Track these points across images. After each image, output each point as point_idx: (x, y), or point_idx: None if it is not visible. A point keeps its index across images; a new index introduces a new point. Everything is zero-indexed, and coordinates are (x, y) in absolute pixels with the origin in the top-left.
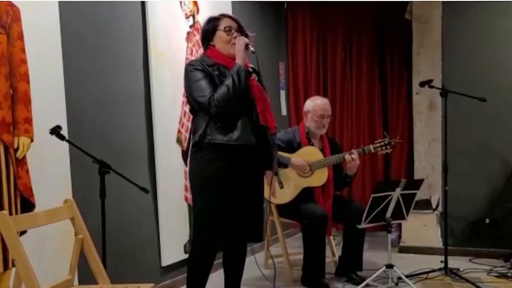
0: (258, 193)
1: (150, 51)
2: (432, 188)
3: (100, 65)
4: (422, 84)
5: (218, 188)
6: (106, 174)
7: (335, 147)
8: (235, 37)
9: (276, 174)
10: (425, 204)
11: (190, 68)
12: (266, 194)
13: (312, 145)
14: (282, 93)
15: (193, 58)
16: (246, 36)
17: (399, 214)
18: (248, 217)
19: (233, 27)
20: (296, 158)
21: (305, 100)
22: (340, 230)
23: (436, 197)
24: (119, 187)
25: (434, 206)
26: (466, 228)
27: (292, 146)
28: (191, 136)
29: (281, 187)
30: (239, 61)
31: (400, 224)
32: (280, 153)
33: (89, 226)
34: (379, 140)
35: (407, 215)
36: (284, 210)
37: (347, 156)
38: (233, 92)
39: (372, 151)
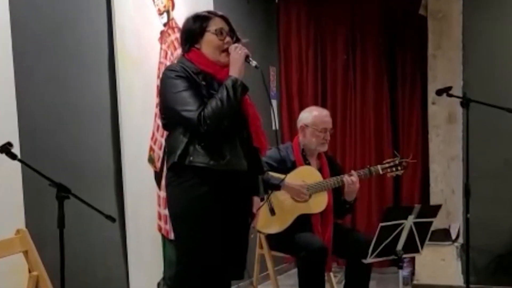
0: (245, 223)
1: (116, 53)
2: (451, 216)
3: (58, 70)
4: (439, 92)
5: (204, 219)
6: (65, 200)
7: (335, 167)
8: (226, 42)
9: (263, 200)
10: (443, 235)
11: (171, 74)
12: (254, 221)
13: (309, 164)
14: (274, 104)
15: (167, 61)
16: (237, 41)
17: (412, 247)
18: (234, 251)
19: (225, 30)
20: (291, 179)
21: (300, 111)
22: (342, 265)
23: (456, 226)
24: (81, 215)
25: (453, 236)
26: (492, 263)
27: (285, 166)
28: (166, 156)
29: (273, 214)
30: (235, 73)
31: (413, 258)
32: (271, 173)
33: (46, 261)
34: (389, 160)
35: (422, 247)
36: (276, 241)
37: (345, 178)
38: (228, 108)
39: (380, 172)
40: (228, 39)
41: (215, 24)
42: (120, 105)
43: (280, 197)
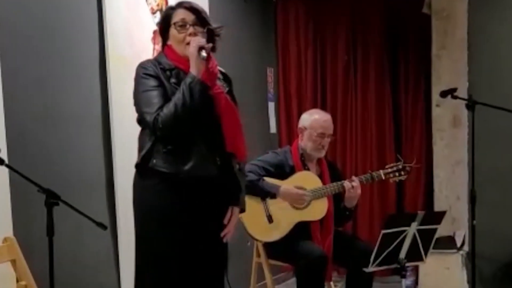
0: (219, 235)
1: (108, 54)
2: (456, 223)
3: (47, 72)
4: (443, 94)
5: (170, 229)
6: (55, 206)
7: (336, 173)
8: (190, 34)
9: (243, 211)
10: (448, 242)
11: (140, 71)
12: (251, 229)
13: (308, 169)
14: (271, 106)
15: None
16: (210, 32)
17: (415, 255)
18: (209, 267)
19: (188, 21)
20: (287, 185)
21: (299, 114)
22: (342, 274)
23: (461, 234)
24: (71, 222)
25: (458, 244)
26: (499, 272)
27: (283, 171)
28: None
29: (270, 221)
30: (193, 70)
31: (416, 267)
32: (267, 179)
33: (34, 270)
34: (391, 165)
35: (426, 255)
36: (273, 250)
37: (346, 183)
38: (183, 111)
39: (383, 177)
40: (192, 30)
41: (176, 16)
42: (112, 108)
43: (278, 204)
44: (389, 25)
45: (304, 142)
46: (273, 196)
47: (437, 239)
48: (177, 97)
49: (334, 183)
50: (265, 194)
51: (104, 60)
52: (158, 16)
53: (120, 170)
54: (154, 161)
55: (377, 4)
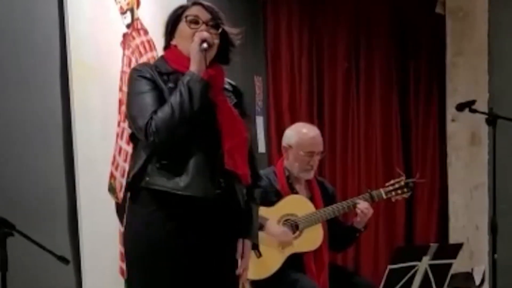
0: (229, 271)
1: (70, 62)
2: (475, 257)
3: None
4: (460, 107)
5: (161, 263)
6: (8, 237)
7: (327, 193)
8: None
9: (256, 247)
10: (465, 279)
11: (135, 74)
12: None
13: (296, 193)
14: (259, 121)
15: None
16: (224, 35)
17: None
18: None
19: (202, 19)
20: (273, 224)
21: None
22: None
23: (480, 269)
24: (27, 256)
25: (478, 282)
26: None
27: (267, 197)
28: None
29: (259, 255)
30: (193, 66)
31: None
32: None
33: None
34: (392, 181)
35: None
36: (263, 287)
37: (358, 211)
38: (180, 114)
39: (384, 197)
40: (203, 28)
41: (190, 11)
42: (75, 124)
43: (266, 236)
44: (397, 27)
45: (290, 163)
46: (261, 227)
47: (452, 275)
48: (174, 98)
49: (330, 208)
50: None
51: (66, 68)
52: (128, 16)
53: (84, 195)
54: (147, 178)
55: (384, 3)
